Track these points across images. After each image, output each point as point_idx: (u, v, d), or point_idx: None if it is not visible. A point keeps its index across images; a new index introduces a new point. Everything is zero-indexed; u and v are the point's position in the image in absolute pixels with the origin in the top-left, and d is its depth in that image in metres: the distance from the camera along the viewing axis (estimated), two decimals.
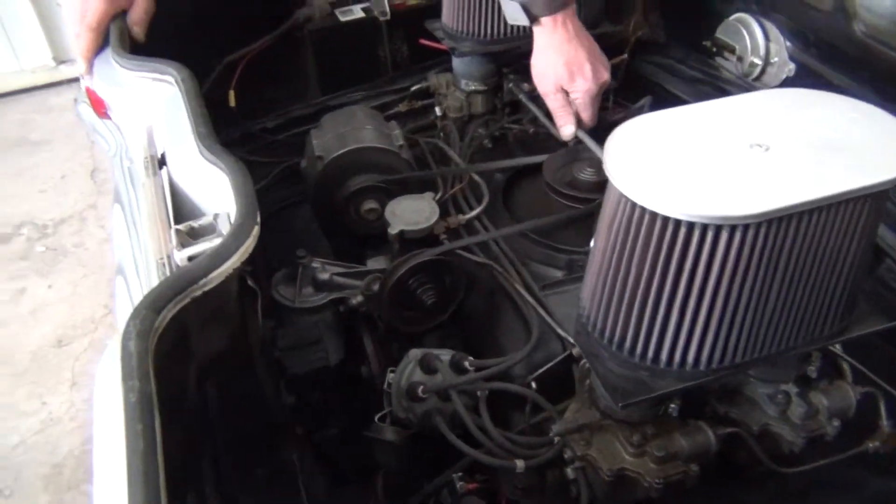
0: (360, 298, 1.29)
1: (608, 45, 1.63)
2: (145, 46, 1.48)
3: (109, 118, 1.73)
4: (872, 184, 0.78)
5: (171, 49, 1.41)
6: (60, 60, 4.20)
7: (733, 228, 0.77)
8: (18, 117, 3.96)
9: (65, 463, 2.25)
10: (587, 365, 1.02)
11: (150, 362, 0.75)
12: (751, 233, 0.77)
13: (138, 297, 1.42)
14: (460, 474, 1.13)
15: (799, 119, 0.87)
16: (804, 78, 1.46)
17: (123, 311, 1.45)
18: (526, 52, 1.52)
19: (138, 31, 1.44)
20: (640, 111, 1.69)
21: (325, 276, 1.30)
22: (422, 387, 1.13)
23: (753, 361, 0.89)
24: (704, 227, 0.77)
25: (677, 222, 0.78)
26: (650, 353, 0.88)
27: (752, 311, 0.84)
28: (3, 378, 2.52)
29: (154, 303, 0.80)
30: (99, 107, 1.70)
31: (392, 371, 1.19)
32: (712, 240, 0.78)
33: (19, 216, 3.24)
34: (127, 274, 1.55)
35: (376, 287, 1.27)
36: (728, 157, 0.82)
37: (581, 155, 1.41)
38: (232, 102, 1.80)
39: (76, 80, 4.03)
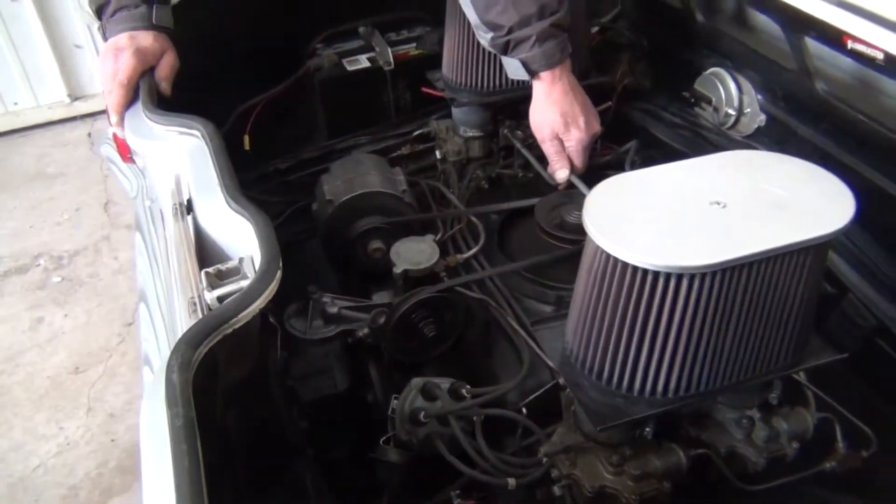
0: (366, 331, 1.36)
1: (597, 93, 1.76)
2: (170, 97, 1.60)
3: (133, 162, 1.86)
4: (813, 237, 0.90)
5: (192, 97, 1.53)
6: (75, 97, 4.33)
7: (692, 277, 0.89)
8: (35, 151, 4.07)
9: (81, 485, 2.34)
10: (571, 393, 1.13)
11: (189, 391, 0.87)
12: (707, 280, 0.89)
13: (160, 324, 1.53)
14: (458, 492, 1.22)
15: (753, 179, 1.00)
16: (773, 128, 1.59)
17: (147, 336, 1.56)
18: (519, 100, 1.64)
19: (165, 86, 1.55)
20: (626, 154, 1.81)
21: (333, 309, 1.37)
22: (423, 412, 1.21)
23: (716, 390, 1.01)
24: (668, 276, 0.90)
25: (645, 271, 0.90)
26: (625, 383, 1.00)
27: (712, 347, 0.95)
28: (22, 403, 2.61)
29: (192, 340, 0.91)
30: (124, 152, 1.83)
31: (396, 398, 1.26)
32: (675, 286, 0.90)
33: (37, 247, 3.34)
34: (149, 301, 1.66)
35: (382, 320, 1.35)
36: (690, 214, 0.94)
37: (569, 199, 1.52)
38: (247, 146, 1.91)
39: (90, 115, 4.20)
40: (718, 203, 0.95)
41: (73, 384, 2.67)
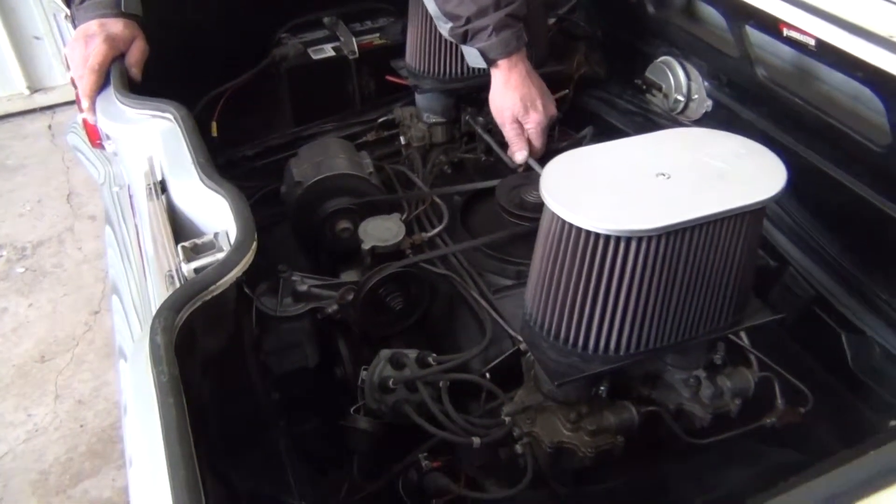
0: (335, 307, 1.41)
1: (554, 81, 1.84)
2: (140, 83, 1.63)
3: (102, 148, 1.88)
4: (748, 204, 0.99)
5: (160, 84, 1.56)
6: (35, 89, 4.28)
7: (640, 240, 0.97)
8: None
9: (51, 470, 2.35)
10: (532, 356, 1.21)
11: (172, 352, 0.92)
12: (653, 243, 0.97)
13: (133, 315, 1.56)
14: (426, 454, 1.28)
15: (696, 153, 1.08)
16: (720, 112, 1.68)
17: (121, 328, 1.59)
18: (480, 87, 1.70)
19: (135, 71, 1.58)
20: (582, 140, 1.89)
21: (303, 287, 1.42)
22: (392, 380, 1.28)
23: (664, 348, 1.09)
24: (618, 239, 0.97)
25: (597, 235, 0.98)
26: (580, 342, 1.08)
27: (660, 306, 1.04)
28: None
29: (174, 304, 0.97)
30: (94, 137, 1.85)
31: (365, 369, 1.32)
32: (624, 249, 0.98)
33: None
34: (122, 293, 1.69)
35: (350, 297, 1.40)
36: (638, 184, 1.02)
37: (528, 180, 1.59)
38: (214, 132, 1.94)
39: (50, 107, 4.17)
40: (664, 174, 1.03)
41: (40, 372, 2.68)
